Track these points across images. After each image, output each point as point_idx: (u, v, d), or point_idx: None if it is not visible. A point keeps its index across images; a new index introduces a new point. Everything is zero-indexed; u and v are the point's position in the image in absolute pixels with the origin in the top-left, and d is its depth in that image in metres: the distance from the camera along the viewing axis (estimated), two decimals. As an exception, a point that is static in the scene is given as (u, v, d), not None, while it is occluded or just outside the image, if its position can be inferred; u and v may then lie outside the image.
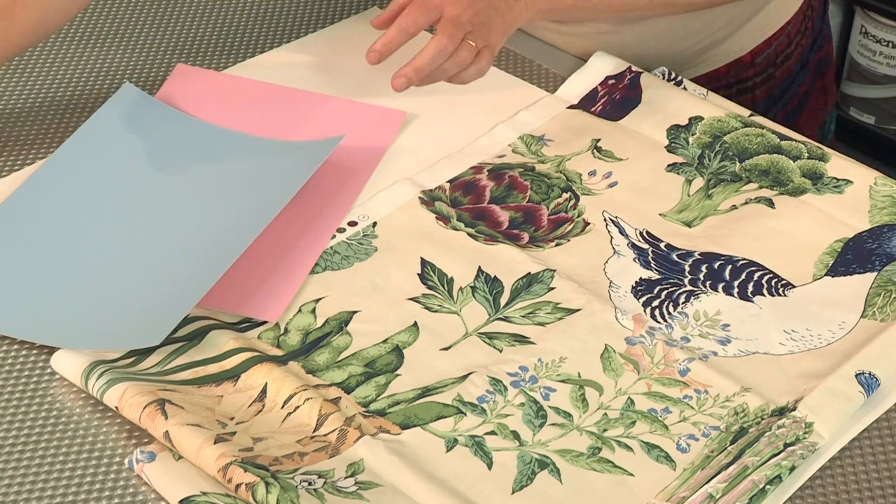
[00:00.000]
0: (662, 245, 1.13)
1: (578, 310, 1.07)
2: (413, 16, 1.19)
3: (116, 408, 0.97)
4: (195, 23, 1.41)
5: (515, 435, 0.97)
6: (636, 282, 1.09)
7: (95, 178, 1.18)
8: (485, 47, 1.20)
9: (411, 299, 1.08)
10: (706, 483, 0.93)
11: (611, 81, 1.29)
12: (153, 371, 1.00)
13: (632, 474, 0.94)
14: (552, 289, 1.08)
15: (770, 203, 1.16)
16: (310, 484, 0.92)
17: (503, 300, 1.08)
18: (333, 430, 0.96)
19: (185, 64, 1.34)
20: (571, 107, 1.28)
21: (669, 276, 1.10)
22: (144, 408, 0.95)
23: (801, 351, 1.03)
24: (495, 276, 1.10)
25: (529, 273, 1.10)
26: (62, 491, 0.94)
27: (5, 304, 1.06)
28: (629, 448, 0.96)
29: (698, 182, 1.19)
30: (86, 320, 1.04)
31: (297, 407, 0.97)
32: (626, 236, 1.14)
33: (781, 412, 0.98)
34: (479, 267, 1.10)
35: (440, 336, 1.04)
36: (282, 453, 0.94)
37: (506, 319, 1.06)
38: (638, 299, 1.08)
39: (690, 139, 1.23)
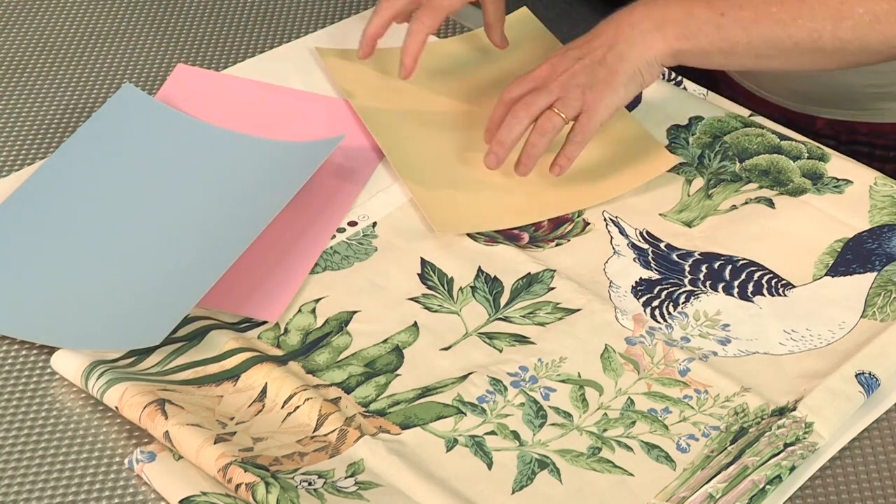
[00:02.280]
0: (662, 245, 1.13)
1: (578, 310, 1.07)
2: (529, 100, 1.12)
3: (116, 408, 0.97)
4: (195, 23, 1.41)
5: (515, 435, 0.97)
6: (636, 282, 1.09)
7: (95, 179, 1.18)
8: (581, 113, 1.12)
9: (411, 299, 1.08)
10: (706, 483, 0.93)
11: (611, 81, 1.29)
12: (153, 371, 1.00)
13: (632, 474, 0.94)
14: (552, 289, 1.08)
15: (770, 203, 1.16)
16: (310, 484, 0.92)
17: (503, 300, 1.08)
18: (333, 430, 0.96)
19: (185, 64, 1.34)
20: (571, 107, 1.28)
21: (669, 276, 1.10)
22: (144, 408, 0.95)
23: (801, 351, 1.03)
24: (495, 276, 1.10)
25: (529, 273, 1.10)
26: (62, 491, 0.94)
27: (5, 304, 1.06)
28: (629, 448, 0.96)
29: (698, 182, 1.19)
30: (86, 320, 1.04)
31: (297, 407, 0.97)
32: (626, 236, 1.14)
33: (781, 412, 0.98)
34: (479, 267, 1.10)
35: (440, 336, 1.04)
36: (282, 453, 0.94)
37: (506, 319, 1.06)
38: (638, 299, 1.08)
39: (690, 139, 1.23)
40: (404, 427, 0.97)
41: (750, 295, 1.08)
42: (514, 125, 1.13)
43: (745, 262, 1.11)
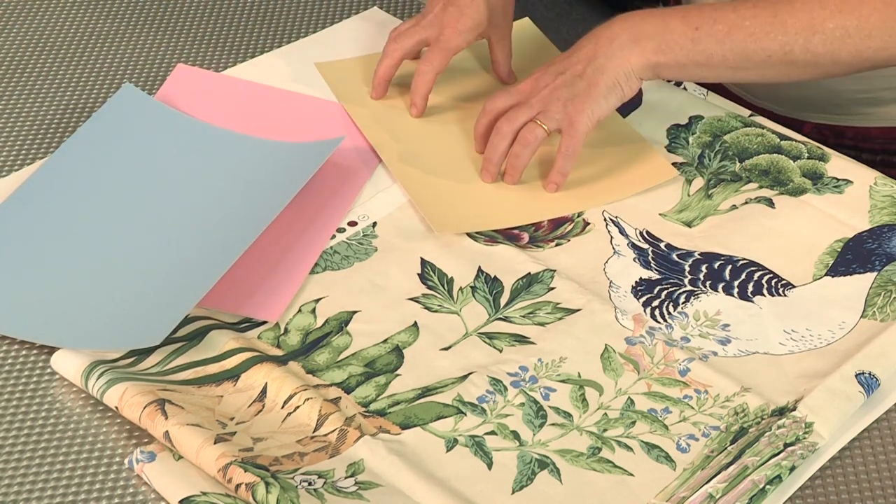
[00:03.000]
0: (662, 245, 1.13)
1: (578, 310, 1.07)
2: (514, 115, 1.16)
3: (116, 408, 0.97)
4: (195, 23, 1.41)
5: (515, 435, 0.97)
6: (636, 282, 1.09)
7: (95, 179, 1.18)
8: (565, 126, 1.14)
9: (411, 299, 1.08)
10: (706, 483, 0.93)
11: (611, 81, 1.29)
12: (153, 371, 1.00)
13: (632, 474, 0.94)
14: (552, 289, 1.08)
15: (770, 203, 1.17)
16: (310, 484, 0.92)
17: (503, 300, 1.08)
18: (333, 430, 0.96)
19: (185, 64, 1.34)
20: (571, 107, 1.28)
21: (669, 276, 1.10)
22: (144, 408, 0.95)
23: (801, 351, 1.03)
24: (495, 276, 1.10)
25: (529, 273, 1.10)
26: (62, 491, 0.94)
27: (5, 304, 1.06)
28: (629, 448, 0.96)
29: (698, 182, 1.19)
30: (86, 320, 1.04)
31: (297, 407, 0.97)
32: (626, 236, 1.14)
33: (781, 412, 0.98)
34: (479, 267, 1.10)
35: (440, 336, 1.05)
36: (282, 453, 0.94)
37: (506, 319, 1.06)
38: (638, 299, 1.08)
39: (690, 139, 1.23)
40: (404, 427, 0.97)
41: (750, 295, 1.08)
42: (499, 142, 1.16)
43: (745, 262, 1.11)
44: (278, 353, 1.03)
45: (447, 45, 1.24)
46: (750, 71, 1.15)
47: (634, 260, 1.11)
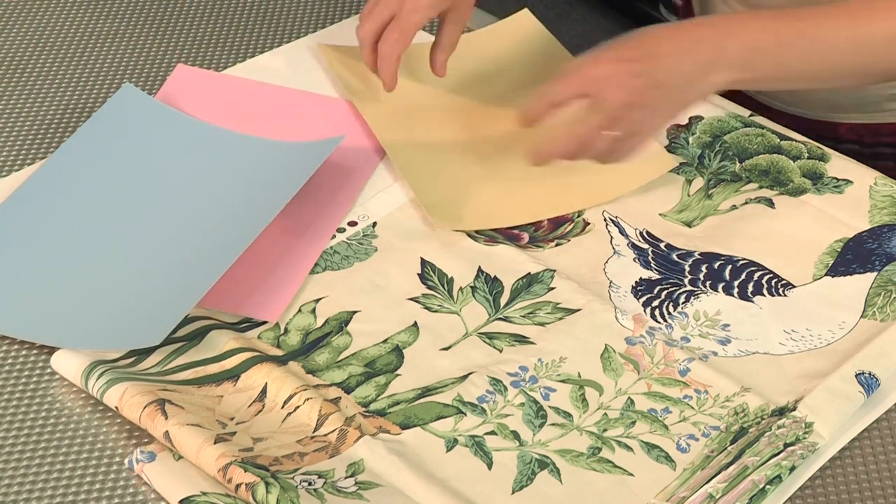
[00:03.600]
0: (662, 245, 1.13)
1: (578, 310, 1.07)
2: (564, 88, 1.09)
3: (116, 408, 0.97)
4: (195, 23, 1.41)
5: (515, 435, 0.97)
6: (636, 282, 1.09)
7: (95, 179, 1.18)
8: (636, 133, 1.09)
9: (411, 299, 1.08)
10: (706, 483, 0.93)
11: (611, 81, 1.29)
12: (153, 371, 1.00)
13: (632, 474, 0.94)
14: (552, 289, 1.08)
15: (770, 203, 1.17)
16: (310, 484, 0.92)
17: (503, 300, 1.08)
18: (333, 430, 0.96)
19: (185, 64, 1.34)
20: (572, 107, 1.28)
21: (669, 276, 1.10)
22: (144, 408, 0.95)
23: (801, 351, 1.03)
24: (495, 276, 1.10)
25: (529, 273, 1.10)
26: (62, 491, 0.94)
27: (5, 304, 1.06)
28: (629, 448, 0.96)
29: (698, 182, 1.19)
30: (86, 320, 1.04)
31: (297, 407, 0.97)
32: (626, 236, 1.14)
33: (781, 412, 0.98)
34: (479, 267, 1.11)
35: (440, 336, 1.05)
36: (282, 453, 0.94)
37: (506, 319, 1.06)
38: (638, 299, 1.08)
39: (690, 139, 1.23)
40: (404, 427, 0.97)
41: (750, 295, 1.08)
42: (575, 152, 1.09)
43: (745, 262, 1.11)
44: (278, 353, 1.03)
45: (406, 23, 1.20)
46: (824, 83, 1.14)
47: (634, 260, 1.12)
